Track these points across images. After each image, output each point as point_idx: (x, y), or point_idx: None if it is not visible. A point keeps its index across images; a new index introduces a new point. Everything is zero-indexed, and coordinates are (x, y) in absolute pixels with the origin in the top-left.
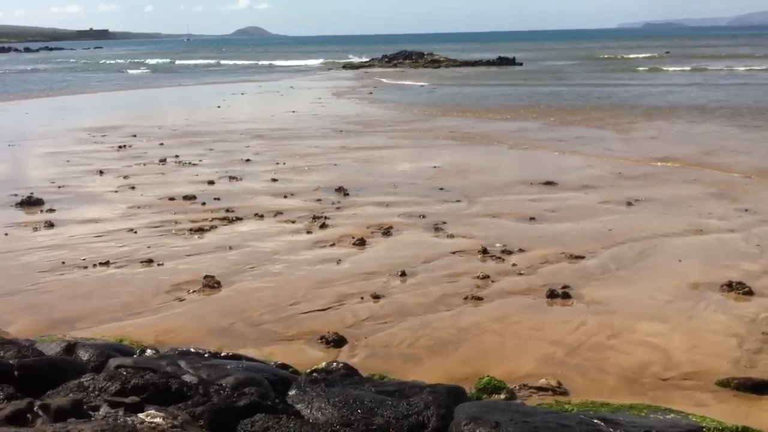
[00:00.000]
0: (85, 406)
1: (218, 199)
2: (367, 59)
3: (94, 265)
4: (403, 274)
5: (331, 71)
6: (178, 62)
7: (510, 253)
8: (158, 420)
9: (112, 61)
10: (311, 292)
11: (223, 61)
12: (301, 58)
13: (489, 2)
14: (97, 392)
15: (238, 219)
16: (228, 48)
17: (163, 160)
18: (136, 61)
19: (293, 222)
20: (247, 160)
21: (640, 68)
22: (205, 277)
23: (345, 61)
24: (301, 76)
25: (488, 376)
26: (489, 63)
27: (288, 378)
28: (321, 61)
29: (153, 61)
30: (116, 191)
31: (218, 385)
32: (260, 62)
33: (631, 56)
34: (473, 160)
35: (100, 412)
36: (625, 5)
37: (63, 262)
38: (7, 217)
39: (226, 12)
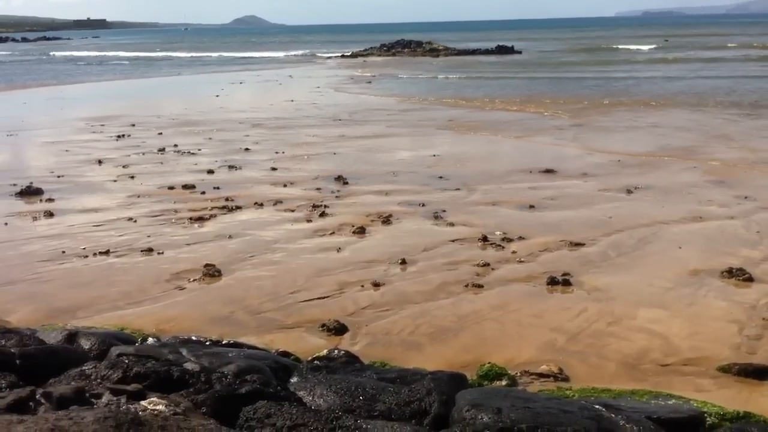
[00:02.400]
0: (87, 394)
1: (218, 188)
2: (366, 48)
3: (95, 254)
4: (404, 262)
5: (329, 60)
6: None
7: (510, 240)
8: (160, 407)
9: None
10: (311, 281)
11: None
12: (299, 47)
13: None
14: (99, 380)
15: (238, 208)
16: (224, 38)
17: (162, 150)
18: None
19: (293, 211)
20: (247, 149)
21: (639, 57)
22: (206, 265)
23: (343, 50)
24: (300, 66)
25: (489, 362)
26: (488, 52)
27: (289, 365)
28: (319, 50)
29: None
30: (115, 180)
31: (220, 373)
32: (255, 54)
33: (630, 45)
34: (472, 148)
35: (103, 400)
36: None
37: (63, 252)
38: (6, 206)
39: (224, 1)
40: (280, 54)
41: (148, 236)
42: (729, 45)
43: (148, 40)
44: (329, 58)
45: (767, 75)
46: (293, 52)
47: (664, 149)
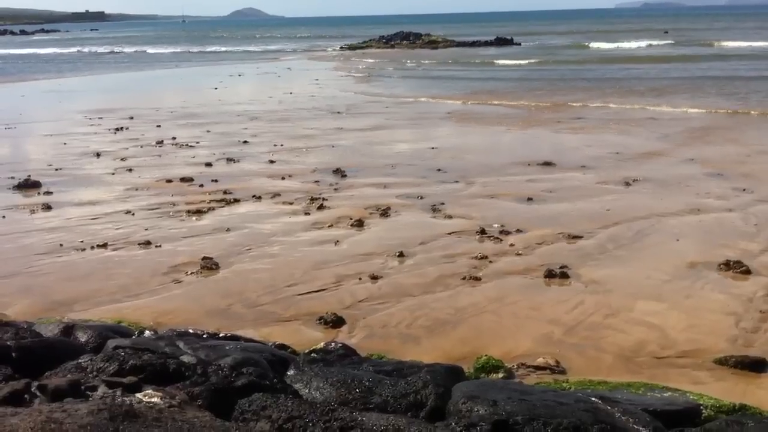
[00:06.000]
0: (82, 387)
1: (216, 180)
2: (365, 40)
3: (92, 247)
4: (401, 254)
5: (328, 52)
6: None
7: (508, 233)
8: (156, 399)
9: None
10: (309, 274)
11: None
12: (298, 39)
13: None
14: (94, 373)
15: (236, 201)
16: (223, 30)
17: (160, 142)
18: None
19: (291, 203)
20: (245, 142)
21: (638, 52)
22: (203, 258)
23: (342, 42)
24: (298, 58)
25: (486, 355)
26: (487, 43)
27: (286, 358)
28: (318, 42)
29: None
30: (113, 173)
31: (216, 365)
32: (254, 47)
33: (629, 37)
34: (471, 141)
35: (98, 392)
36: None
37: (61, 245)
38: (4, 199)
39: None
40: (279, 46)
41: (146, 229)
42: (727, 40)
43: (144, 34)
44: (328, 50)
45: (763, 69)
46: (292, 45)
47: (662, 141)
